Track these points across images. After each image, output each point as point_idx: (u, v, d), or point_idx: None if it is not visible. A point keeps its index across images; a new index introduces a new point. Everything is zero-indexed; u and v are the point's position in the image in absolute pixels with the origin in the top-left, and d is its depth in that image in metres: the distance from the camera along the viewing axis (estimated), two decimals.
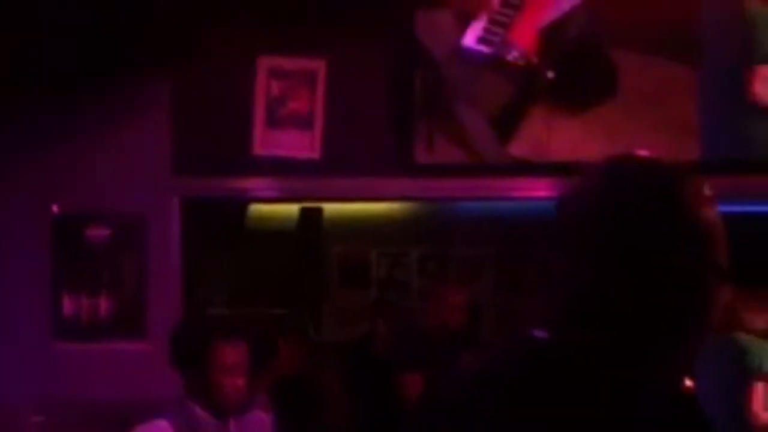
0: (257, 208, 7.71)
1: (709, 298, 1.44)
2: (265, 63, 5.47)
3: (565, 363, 1.41)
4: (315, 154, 5.43)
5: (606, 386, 1.39)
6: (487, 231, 8.18)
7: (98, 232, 5.47)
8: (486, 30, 5.41)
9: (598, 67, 5.36)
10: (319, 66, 5.45)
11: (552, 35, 5.38)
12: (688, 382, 6.13)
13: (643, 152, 1.53)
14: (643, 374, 1.41)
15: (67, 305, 5.48)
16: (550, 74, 5.38)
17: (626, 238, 1.40)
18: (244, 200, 6.70)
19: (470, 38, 5.39)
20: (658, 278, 1.39)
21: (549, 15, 5.40)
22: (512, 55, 5.41)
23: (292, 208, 8.30)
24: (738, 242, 6.33)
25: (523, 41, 5.40)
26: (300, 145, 5.44)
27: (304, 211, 8.43)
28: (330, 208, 8.30)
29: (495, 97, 5.37)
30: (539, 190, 5.39)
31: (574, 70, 5.30)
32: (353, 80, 5.44)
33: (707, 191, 1.47)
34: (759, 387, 5.00)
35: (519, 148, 5.35)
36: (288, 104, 5.50)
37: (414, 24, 5.38)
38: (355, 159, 5.40)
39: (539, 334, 1.48)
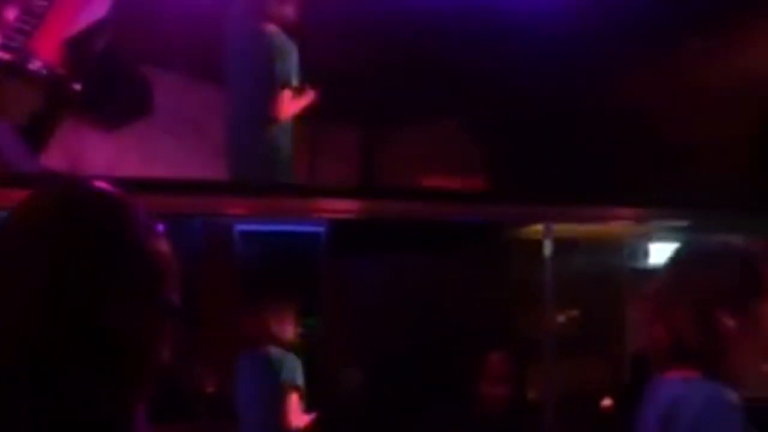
0: None
1: (155, 333, 1.38)
2: None
3: None
4: None
5: (25, 418, 1.27)
6: None
7: None
8: (6, 37, 5.12)
9: (131, 84, 5.29)
10: None
11: (77, 47, 5.27)
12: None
13: (98, 183, 1.43)
14: (72, 406, 1.29)
15: None
16: (77, 86, 5.22)
17: (65, 270, 1.31)
18: None
19: None
20: (95, 311, 1.31)
21: (74, 26, 5.27)
22: (35, 65, 5.16)
23: None
24: (268, 259, 6.58)
25: (46, 51, 5.19)
26: None
27: None
28: None
29: (23, 107, 5.13)
30: None
31: (102, 85, 5.19)
32: None
33: (159, 226, 1.43)
34: (291, 397, 5.27)
35: (53, 160, 5.11)
36: None
37: None
38: None
39: None
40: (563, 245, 5.34)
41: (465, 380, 4.94)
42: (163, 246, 1.41)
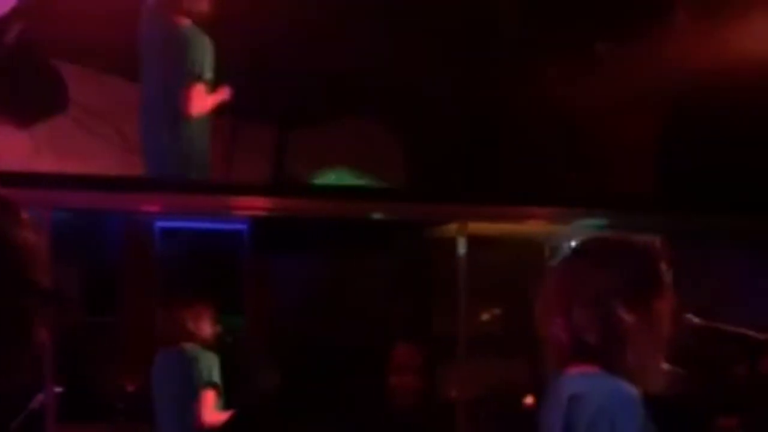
0: None
1: (27, 318, 1.44)
2: None
3: None
4: None
5: None
6: None
7: None
8: None
9: (44, 78, 5.24)
10: None
11: None
12: None
13: None
14: None
15: None
16: None
17: None
18: None
19: None
20: None
21: None
22: None
23: None
24: (189, 256, 6.55)
25: None
26: None
27: None
28: None
29: None
30: None
31: (14, 80, 5.13)
32: None
33: (24, 214, 1.47)
34: (207, 395, 5.26)
35: None
36: None
37: None
38: None
39: None
40: (481, 243, 5.39)
41: (377, 373, 5.00)
42: (31, 235, 1.45)
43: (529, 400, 6.04)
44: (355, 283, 6.13)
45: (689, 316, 2.48)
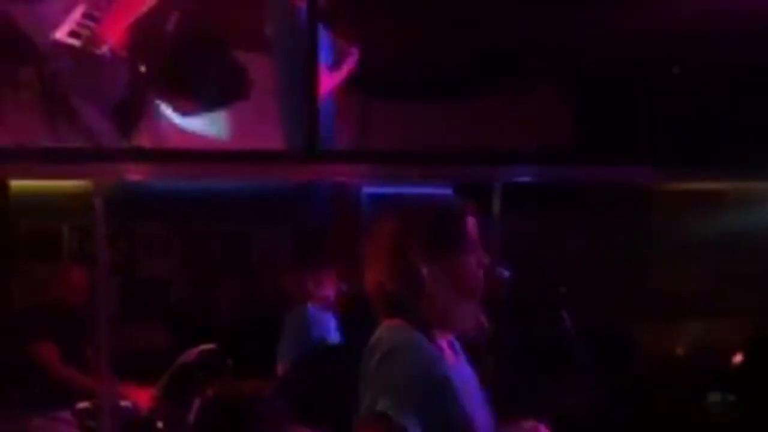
0: None
1: None
2: None
3: None
4: None
5: None
6: (172, 209, 8.34)
7: None
8: (78, 23, 5.45)
9: (220, 65, 5.57)
10: None
11: (144, 30, 5.53)
12: None
13: None
14: None
15: None
16: (143, 68, 5.55)
17: None
18: None
19: (62, 31, 5.41)
20: None
21: (139, 9, 5.53)
22: (102, 50, 5.48)
23: None
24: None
25: (113, 35, 5.51)
26: None
27: None
28: (16, 183, 8.13)
29: (110, 91, 5.50)
30: None
31: (182, 67, 5.50)
32: None
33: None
34: None
35: (143, 140, 5.54)
36: None
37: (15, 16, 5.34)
38: None
39: None
40: None
41: None
42: None
43: None
44: None
45: (500, 269, 2.70)
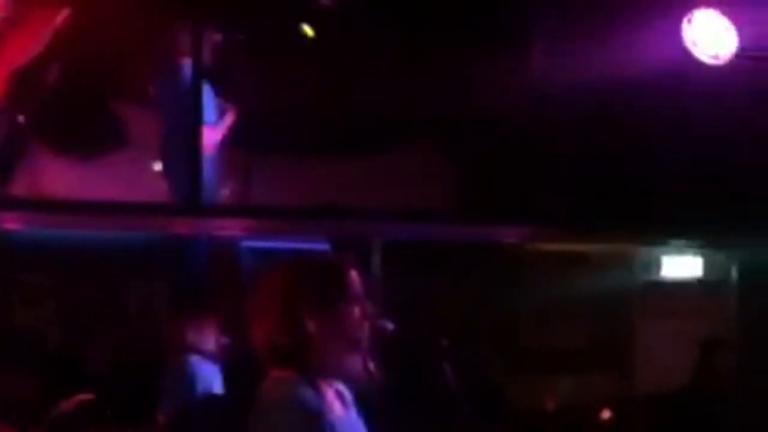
0: None
1: None
2: None
3: None
4: None
5: None
6: (49, 258, 8.23)
7: None
8: None
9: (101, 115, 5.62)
10: None
11: (24, 80, 5.56)
12: None
13: None
14: None
15: None
16: (21, 118, 5.56)
17: None
18: None
19: None
20: None
21: (21, 60, 5.57)
22: None
23: None
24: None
25: None
26: None
27: None
28: None
29: None
30: None
31: (61, 118, 5.52)
32: None
33: None
34: None
35: (19, 188, 5.55)
36: None
37: None
38: None
39: None
40: None
41: None
42: None
43: None
44: None
45: (383, 321, 2.73)
